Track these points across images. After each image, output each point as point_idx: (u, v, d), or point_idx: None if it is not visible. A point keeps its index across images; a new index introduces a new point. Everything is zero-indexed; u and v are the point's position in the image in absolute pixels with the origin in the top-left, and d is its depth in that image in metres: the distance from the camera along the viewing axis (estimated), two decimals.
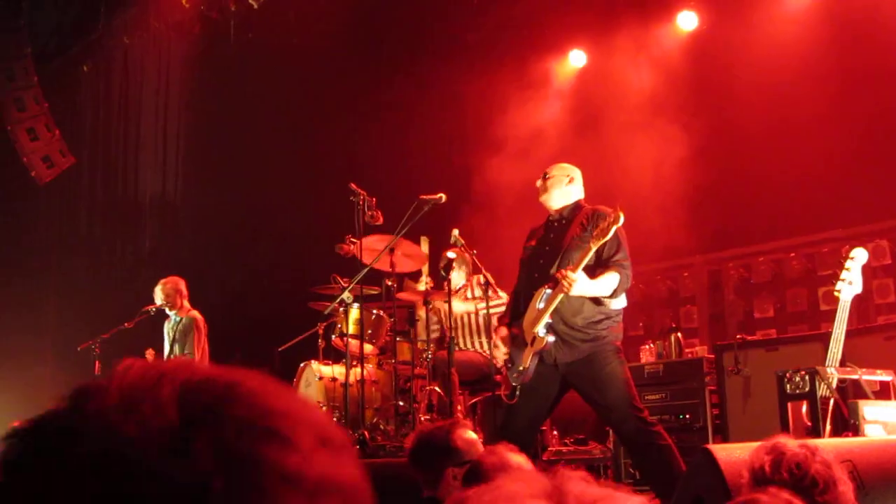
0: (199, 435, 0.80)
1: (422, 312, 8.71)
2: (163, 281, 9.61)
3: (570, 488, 0.99)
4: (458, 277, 8.73)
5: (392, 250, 8.10)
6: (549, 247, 6.48)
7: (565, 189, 6.57)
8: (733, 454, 3.87)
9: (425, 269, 9.02)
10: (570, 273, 5.93)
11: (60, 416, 0.84)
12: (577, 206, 6.55)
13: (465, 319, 8.90)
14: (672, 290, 11.47)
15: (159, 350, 9.61)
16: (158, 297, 9.51)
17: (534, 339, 6.24)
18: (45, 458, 0.81)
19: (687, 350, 8.73)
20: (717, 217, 10.19)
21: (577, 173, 6.67)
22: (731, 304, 10.79)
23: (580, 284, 5.98)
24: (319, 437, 0.84)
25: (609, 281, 6.11)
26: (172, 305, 9.47)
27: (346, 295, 7.97)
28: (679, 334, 8.79)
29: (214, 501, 0.77)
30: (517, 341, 6.45)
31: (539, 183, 6.63)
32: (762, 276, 10.73)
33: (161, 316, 9.61)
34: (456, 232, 7.89)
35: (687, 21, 10.74)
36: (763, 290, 10.65)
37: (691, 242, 10.49)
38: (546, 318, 6.17)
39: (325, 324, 9.13)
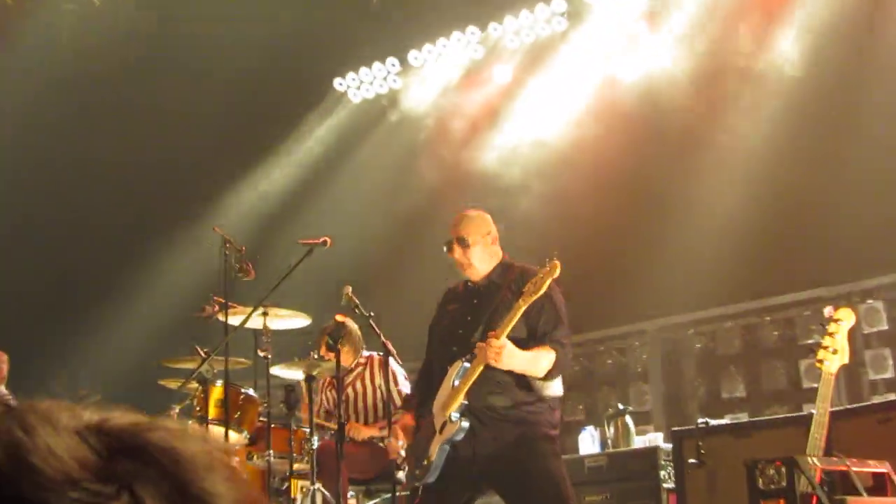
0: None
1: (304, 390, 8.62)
2: None
3: None
4: (345, 355, 8.64)
5: (265, 312, 8.00)
6: (472, 315, 6.43)
7: (490, 249, 6.53)
8: None
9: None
10: (493, 339, 5.90)
11: None
12: (505, 267, 6.52)
13: (360, 401, 8.84)
14: (619, 364, 11.54)
15: None
16: None
17: (444, 424, 6.18)
18: None
19: (638, 438, 8.76)
20: (672, 275, 10.27)
21: (490, 223, 6.60)
22: (692, 381, 10.87)
23: (507, 354, 5.92)
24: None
25: (543, 358, 6.08)
26: None
27: (205, 369, 7.84)
28: (628, 418, 8.82)
29: None
30: (424, 430, 6.38)
31: (457, 253, 6.46)
32: (730, 346, 10.84)
33: None
34: (348, 290, 7.81)
35: None
36: (732, 364, 10.75)
37: (642, 308, 10.57)
38: (461, 399, 6.11)
39: (179, 406, 8.99)
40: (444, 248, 6.52)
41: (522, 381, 6.19)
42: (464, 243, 6.44)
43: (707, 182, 10.05)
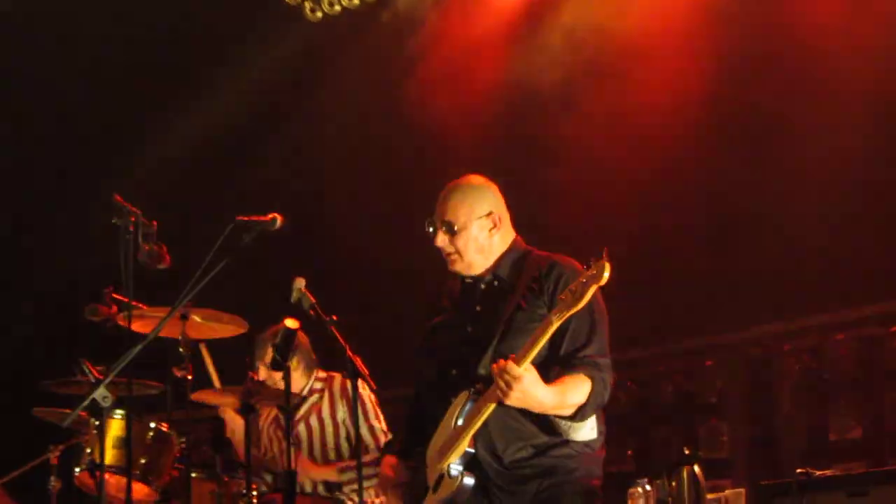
0: None
1: (238, 425, 8.62)
2: None
3: None
4: (297, 375, 8.69)
5: (185, 315, 7.98)
6: (474, 326, 6.38)
7: (491, 240, 6.42)
8: None
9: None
10: (511, 366, 5.79)
11: None
12: (518, 255, 6.46)
13: (317, 442, 8.84)
14: (685, 392, 11.52)
15: None
16: None
17: (440, 479, 6.13)
18: None
19: (711, 496, 8.75)
20: (764, 264, 10.23)
21: (494, 198, 6.49)
22: (788, 416, 10.86)
23: (529, 387, 5.79)
24: None
25: (573, 390, 5.98)
26: None
27: (100, 394, 7.80)
28: (697, 467, 8.80)
29: None
30: (414, 484, 6.36)
31: (441, 241, 6.39)
32: (842, 367, 10.82)
33: None
34: (301, 284, 7.77)
35: None
36: (844, 393, 10.74)
37: (717, 310, 10.54)
38: (465, 445, 6.05)
39: (62, 446, 8.98)
40: (428, 229, 6.45)
41: (546, 419, 6.12)
42: (449, 228, 6.35)
43: (828, 125, 9.80)
